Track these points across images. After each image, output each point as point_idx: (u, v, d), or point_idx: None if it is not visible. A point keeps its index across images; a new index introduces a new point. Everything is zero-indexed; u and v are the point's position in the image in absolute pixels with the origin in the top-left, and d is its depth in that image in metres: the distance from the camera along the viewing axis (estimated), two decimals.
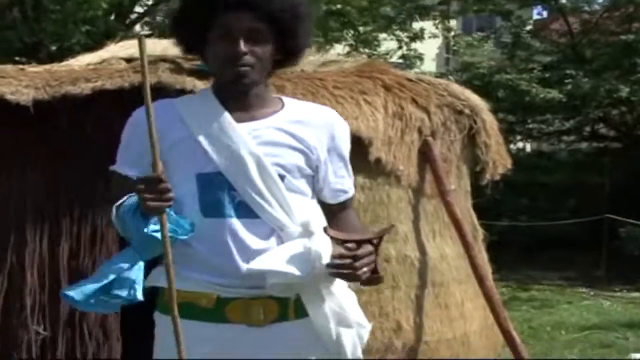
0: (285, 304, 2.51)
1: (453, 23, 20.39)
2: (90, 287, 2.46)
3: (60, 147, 4.70)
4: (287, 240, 2.50)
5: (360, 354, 2.64)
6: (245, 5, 2.50)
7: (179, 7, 2.69)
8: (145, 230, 2.38)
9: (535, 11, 20.27)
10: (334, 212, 2.71)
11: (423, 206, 5.57)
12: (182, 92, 4.55)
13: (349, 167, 2.75)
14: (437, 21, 17.51)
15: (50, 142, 4.73)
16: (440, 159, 5.55)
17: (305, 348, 2.53)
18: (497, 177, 6.27)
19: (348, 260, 2.39)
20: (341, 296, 2.58)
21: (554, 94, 13.01)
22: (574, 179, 16.01)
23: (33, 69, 5.08)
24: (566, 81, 13.48)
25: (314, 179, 2.66)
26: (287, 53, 2.65)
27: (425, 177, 5.55)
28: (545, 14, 19.61)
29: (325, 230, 2.49)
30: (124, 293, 2.45)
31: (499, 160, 6.17)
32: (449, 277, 5.66)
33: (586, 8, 15.86)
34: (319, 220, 2.61)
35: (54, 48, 14.23)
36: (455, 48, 18.95)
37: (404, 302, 5.25)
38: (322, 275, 2.46)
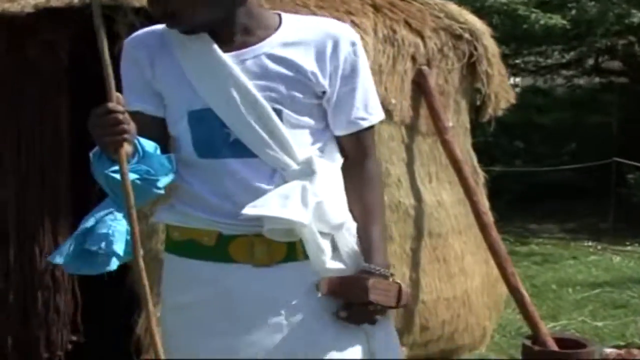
0: (292, 243, 2.51)
1: None
2: (66, 245, 2.43)
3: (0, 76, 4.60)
4: (290, 180, 2.50)
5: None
6: None
7: None
8: (106, 171, 2.31)
9: None
10: (347, 153, 2.64)
11: (418, 145, 5.53)
12: (142, 11, 4.44)
13: (366, 89, 2.63)
14: None
15: None
16: (437, 91, 5.50)
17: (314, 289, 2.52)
18: (500, 113, 6.25)
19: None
20: (350, 239, 2.56)
21: (556, 19, 12.91)
22: (574, 118, 16.05)
23: None
24: (569, 5, 13.37)
25: (324, 108, 2.60)
26: None
27: (419, 112, 5.51)
28: None
29: (317, 287, 2.50)
30: (94, 247, 2.39)
31: (501, 93, 6.16)
32: (447, 227, 5.65)
33: None
34: (327, 155, 2.59)
35: None
36: None
37: (398, 255, 5.23)
38: (322, 218, 2.47)
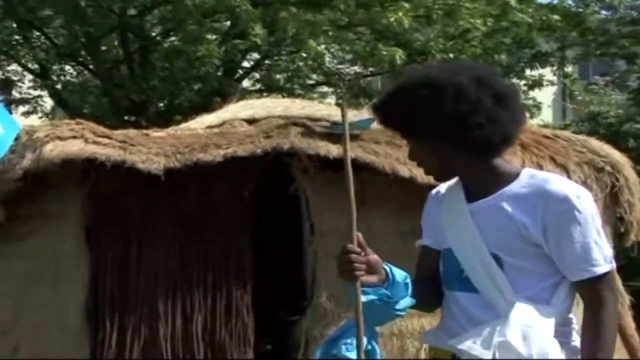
0: None
1: (570, 69, 20.11)
2: (316, 351, 2.84)
3: (190, 215, 4.80)
4: (502, 315, 2.64)
5: None
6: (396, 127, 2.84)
7: None
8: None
9: None
10: (582, 293, 2.66)
11: None
12: (314, 157, 4.60)
13: (585, 241, 2.62)
14: (554, 67, 17.26)
15: (180, 209, 4.84)
16: None
17: None
18: None
19: None
20: None
21: None
22: None
23: (157, 134, 5.21)
24: None
25: (547, 257, 2.68)
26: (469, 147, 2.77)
27: None
28: None
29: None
30: (336, 351, 2.72)
31: None
32: None
33: None
34: (553, 298, 2.67)
35: (161, 106, 14.62)
36: (575, 96, 18.67)
37: None
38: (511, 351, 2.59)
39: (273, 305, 5.19)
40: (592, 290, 2.62)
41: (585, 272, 2.61)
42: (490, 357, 2.56)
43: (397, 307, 2.67)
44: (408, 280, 2.72)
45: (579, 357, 2.65)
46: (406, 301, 2.70)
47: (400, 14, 11.39)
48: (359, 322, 2.61)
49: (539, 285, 2.65)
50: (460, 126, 2.68)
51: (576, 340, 2.69)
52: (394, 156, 4.80)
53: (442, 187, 2.93)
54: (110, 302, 4.97)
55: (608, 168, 5.72)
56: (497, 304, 2.66)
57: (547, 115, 20.96)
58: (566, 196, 2.62)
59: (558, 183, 2.69)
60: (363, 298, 2.62)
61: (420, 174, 4.68)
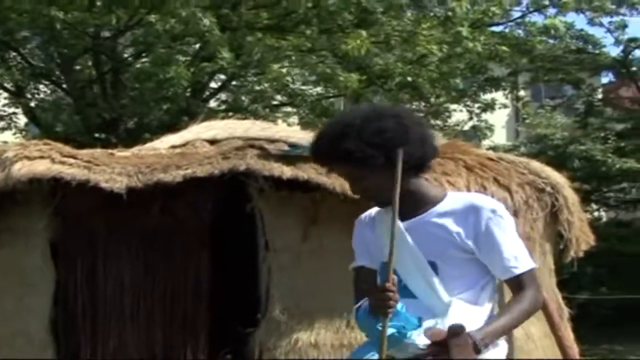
0: None
1: (522, 92, 20.35)
2: None
3: (153, 231, 4.83)
4: (439, 316, 2.87)
5: None
6: (339, 161, 2.99)
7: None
8: (378, 326, 2.85)
9: (604, 76, 20.10)
10: (511, 288, 2.96)
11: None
12: (268, 177, 4.65)
13: (508, 245, 2.92)
14: (506, 91, 17.48)
15: (143, 226, 4.87)
16: (524, 238, 5.49)
17: None
18: (581, 254, 6.21)
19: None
20: None
21: (630, 163, 12.84)
22: None
23: (122, 154, 5.24)
24: None
25: (479, 261, 2.96)
26: (410, 168, 2.98)
27: None
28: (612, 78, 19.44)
29: (424, 333, 2.82)
30: None
31: (582, 237, 6.13)
32: (535, 358, 5.57)
33: None
34: (480, 298, 2.93)
35: (131, 124, 14.59)
36: (525, 118, 18.89)
37: None
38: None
39: (230, 318, 5.22)
40: (518, 285, 2.91)
41: (514, 269, 2.90)
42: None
43: (408, 335, 2.85)
44: (404, 310, 2.88)
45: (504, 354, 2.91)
46: (418, 331, 2.85)
47: (358, 41, 11.50)
48: (383, 351, 2.81)
49: (469, 289, 2.94)
50: (392, 157, 2.90)
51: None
52: None
53: (371, 213, 3.15)
54: (82, 311, 5.00)
55: (548, 189, 5.82)
56: (434, 306, 2.92)
57: (500, 136, 21.17)
58: (493, 208, 2.95)
59: (483, 198, 3.08)
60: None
61: None
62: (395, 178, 2.89)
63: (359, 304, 3.01)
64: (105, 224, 4.93)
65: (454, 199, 3.06)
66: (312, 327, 4.93)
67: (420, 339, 2.83)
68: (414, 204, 3.03)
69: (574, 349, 5.53)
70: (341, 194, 4.79)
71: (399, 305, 2.86)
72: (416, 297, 2.96)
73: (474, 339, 2.78)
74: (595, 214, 16.71)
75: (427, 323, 2.88)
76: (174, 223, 4.82)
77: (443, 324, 2.84)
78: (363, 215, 3.25)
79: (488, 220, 2.93)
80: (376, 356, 2.90)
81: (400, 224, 2.98)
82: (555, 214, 5.87)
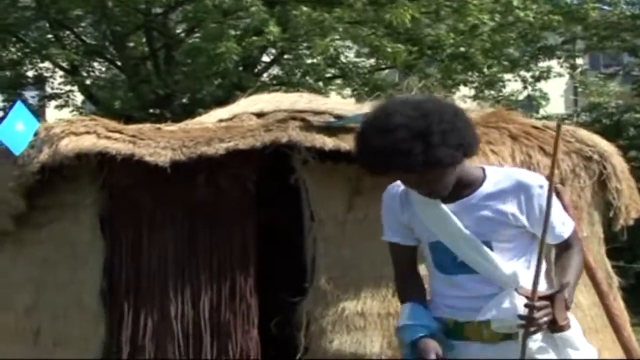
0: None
1: (579, 61, 20.03)
2: None
3: (197, 204, 4.89)
4: (502, 287, 3.10)
5: None
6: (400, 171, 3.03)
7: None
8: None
9: None
10: (558, 249, 3.26)
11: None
12: (311, 149, 4.67)
13: (556, 215, 3.15)
14: (562, 60, 17.24)
15: (187, 199, 4.93)
16: (571, 206, 5.46)
17: None
18: (631, 222, 6.13)
19: (526, 313, 2.97)
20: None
21: None
22: None
23: (169, 127, 5.30)
24: None
25: (529, 232, 3.15)
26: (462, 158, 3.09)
27: None
28: None
29: (516, 290, 3.05)
30: None
31: (631, 205, 6.03)
32: (584, 327, 5.50)
33: None
34: (523, 266, 3.14)
35: (185, 100, 14.74)
36: (579, 87, 18.63)
37: None
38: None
39: (277, 288, 5.27)
40: (567, 245, 3.22)
41: (563, 234, 3.19)
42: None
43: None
44: None
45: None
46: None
47: (403, 11, 11.43)
48: None
49: (522, 256, 3.16)
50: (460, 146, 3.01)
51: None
52: None
53: (400, 186, 3.22)
54: (126, 284, 5.08)
55: (596, 157, 5.74)
56: (497, 279, 3.10)
57: (559, 105, 20.89)
58: (540, 184, 3.15)
59: (528, 174, 3.29)
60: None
61: None
62: (548, 207, 3.01)
63: (399, 323, 3.24)
64: (151, 197, 5.00)
65: (498, 177, 3.18)
66: (358, 296, 4.96)
67: (504, 314, 3.04)
68: (458, 186, 3.12)
69: (623, 318, 5.47)
70: None
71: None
72: (477, 272, 3.14)
73: (564, 296, 3.02)
74: None
75: (502, 298, 3.09)
76: (217, 195, 4.86)
77: (511, 294, 3.07)
78: (390, 191, 3.33)
79: (539, 197, 3.11)
80: None
81: (445, 207, 3.12)
82: (603, 182, 5.79)
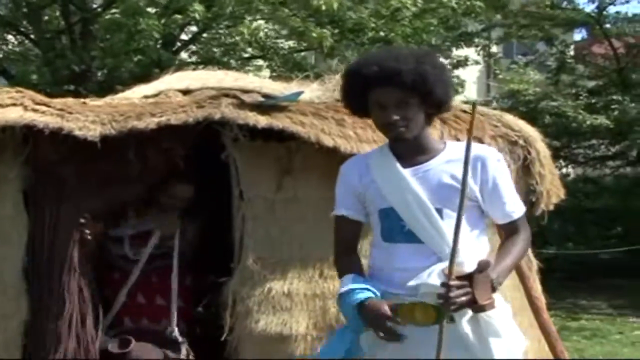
0: (440, 310, 3.09)
1: (494, 49, 20.38)
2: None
3: (125, 180, 4.83)
4: (445, 260, 3.11)
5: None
6: (389, 83, 3.19)
7: (343, 84, 3.45)
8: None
9: (576, 33, 20.16)
10: (505, 231, 3.35)
11: None
12: (243, 127, 4.65)
13: (508, 192, 3.28)
14: (479, 47, 17.52)
15: (115, 175, 4.87)
16: None
17: (456, 349, 3.11)
18: (551, 207, 6.29)
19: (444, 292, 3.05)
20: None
21: (600, 120, 12.98)
22: (620, 204, 15.87)
23: (95, 102, 5.20)
24: (612, 107, 13.45)
25: (480, 207, 3.26)
26: (435, 106, 3.29)
27: None
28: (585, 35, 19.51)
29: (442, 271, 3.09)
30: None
31: (552, 190, 6.18)
32: None
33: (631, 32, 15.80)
34: (478, 240, 3.25)
35: (101, 76, 14.47)
36: (498, 74, 18.99)
37: None
38: None
39: (205, 269, 5.25)
40: (514, 228, 3.31)
41: (512, 214, 3.29)
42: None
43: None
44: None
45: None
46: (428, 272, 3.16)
47: None
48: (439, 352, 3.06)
49: (470, 231, 3.24)
50: (434, 90, 3.20)
51: None
52: (320, 127, 4.87)
53: (360, 159, 3.37)
54: (48, 260, 4.97)
55: (521, 141, 5.85)
56: (441, 250, 3.16)
57: (471, 92, 21.26)
58: (498, 157, 3.31)
59: (486, 148, 3.44)
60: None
61: (343, 144, 4.78)
62: (470, 130, 3.14)
63: (343, 289, 3.25)
64: (77, 172, 4.90)
65: (457, 148, 3.28)
66: (285, 276, 4.97)
67: (433, 279, 3.09)
68: (418, 151, 3.25)
69: (541, 300, 5.62)
70: (316, 144, 4.82)
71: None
72: (422, 242, 3.20)
73: (491, 277, 3.08)
74: (564, 170, 16.89)
75: (437, 266, 3.12)
76: (146, 170, 4.80)
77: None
78: (350, 162, 3.46)
79: (494, 170, 3.23)
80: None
81: (402, 170, 3.21)
82: (527, 167, 5.91)
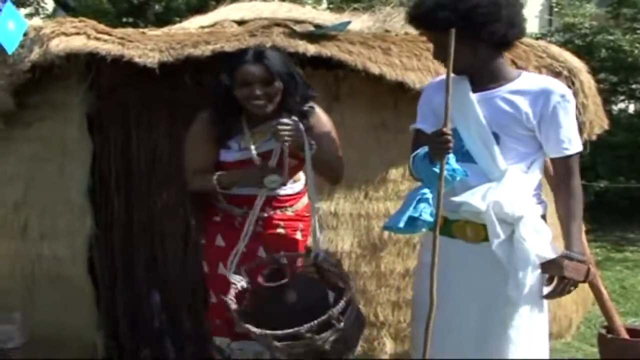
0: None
1: None
2: (401, 214, 3.39)
3: (182, 104, 5.13)
4: (494, 181, 3.32)
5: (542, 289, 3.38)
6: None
7: None
8: (434, 169, 3.31)
9: None
10: (557, 172, 3.44)
11: None
12: (294, 55, 4.91)
13: (567, 128, 3.35)
14: None
15: (173, 99, 5.18)
16: None
17: (499, 267, 3.31)
18: (594, 137, 6.44)
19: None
20: (528, 230, 3.30)
21: None
22: None
23: (153, 32, 5.49)
24: None
25: (536, 138, 3.38)
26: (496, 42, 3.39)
27: None
28: None
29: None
30: (417, 214, 3.34)
31: (595, 121, 6.34)
32: None
33: None
34: (530, 172, 3.39)
35: (159, 8, 14.74)
36: (556, 9, 18.77)
37: None
38: (500, 211, 3.30)
39: None
40: (565, 166, 3.39)
41: (565, 150, 3.36)
42: (484, 209, 3.25)
43: (457, 178, 3.31)
44: (453, 161, 3.32)
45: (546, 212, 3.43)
46: (461, 175, 3.33)
47: None
48: (440, 194, 3.23)
49: (522, 160, 3.37)
50: (491, 26, 3.30)
51: (544, 200, 3.49)
52: (367, 55, 5.11)
53: (440, 81, 3.46)
54: (116, 179, 5.40)
55: (565, 72, 6.01)
56: (491, 172, 3.33)
57: (534, 25, 21.06)
58: (563, 93, 3.36)
59: (556, 83, 3.45)
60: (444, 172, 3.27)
61: (388, 72, 5.02)
62: (448, 54, 3.23)
63: (414, 153, 3.43)
64: (138, 97, 5.23)
65: (528, 79, 3.42)
66: (332, 197, 5.26)
67: (474, 200, 3.28)
68: (489, 78, 3.40)
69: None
70: (362, 72, 5.06)
71: (450, 156, 3.29)
72: (476, 163, 3.36)
73: (573, 257, 3.34)
74: (622, 105, 16.76)
75: (483, 187, 3.31)
76: (203, 96, 5.09)
77: (496, 189, 3.29)
78: (434, 81, 3.66)
79: (556, 103, 3.31)
80: (428, 194, 3.35)
81: (471, 94, 3.38)
82: None
